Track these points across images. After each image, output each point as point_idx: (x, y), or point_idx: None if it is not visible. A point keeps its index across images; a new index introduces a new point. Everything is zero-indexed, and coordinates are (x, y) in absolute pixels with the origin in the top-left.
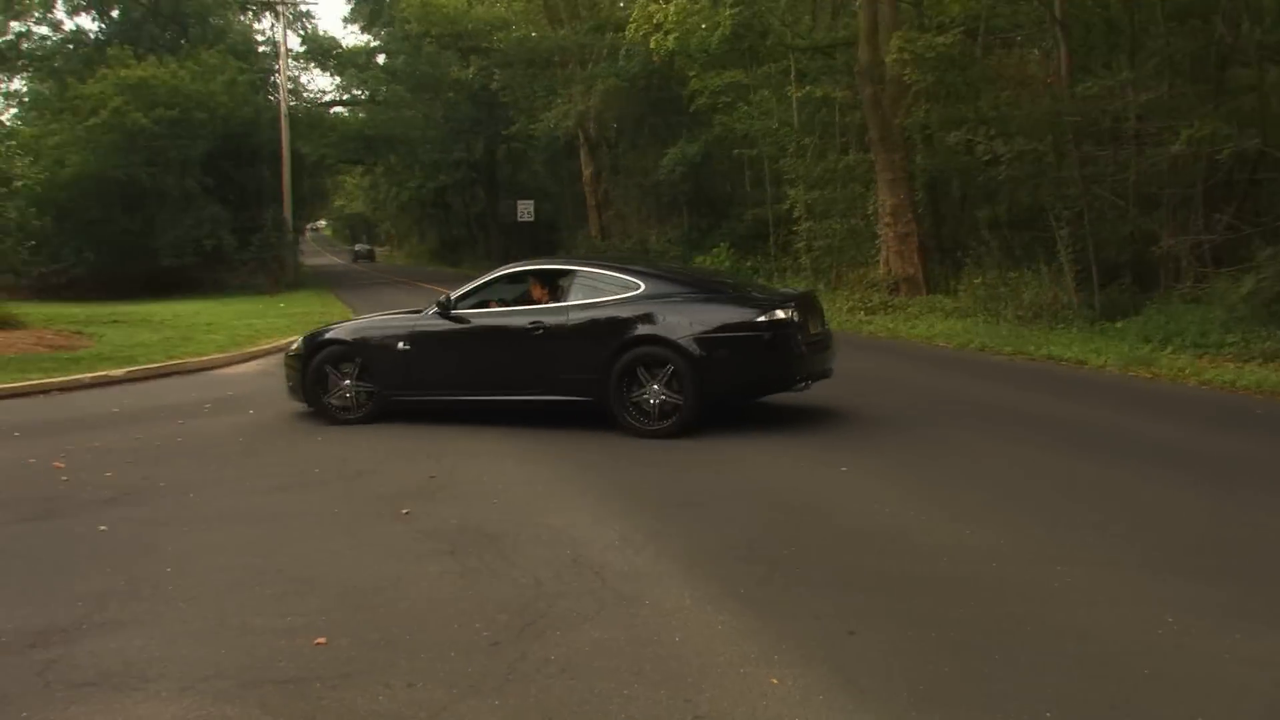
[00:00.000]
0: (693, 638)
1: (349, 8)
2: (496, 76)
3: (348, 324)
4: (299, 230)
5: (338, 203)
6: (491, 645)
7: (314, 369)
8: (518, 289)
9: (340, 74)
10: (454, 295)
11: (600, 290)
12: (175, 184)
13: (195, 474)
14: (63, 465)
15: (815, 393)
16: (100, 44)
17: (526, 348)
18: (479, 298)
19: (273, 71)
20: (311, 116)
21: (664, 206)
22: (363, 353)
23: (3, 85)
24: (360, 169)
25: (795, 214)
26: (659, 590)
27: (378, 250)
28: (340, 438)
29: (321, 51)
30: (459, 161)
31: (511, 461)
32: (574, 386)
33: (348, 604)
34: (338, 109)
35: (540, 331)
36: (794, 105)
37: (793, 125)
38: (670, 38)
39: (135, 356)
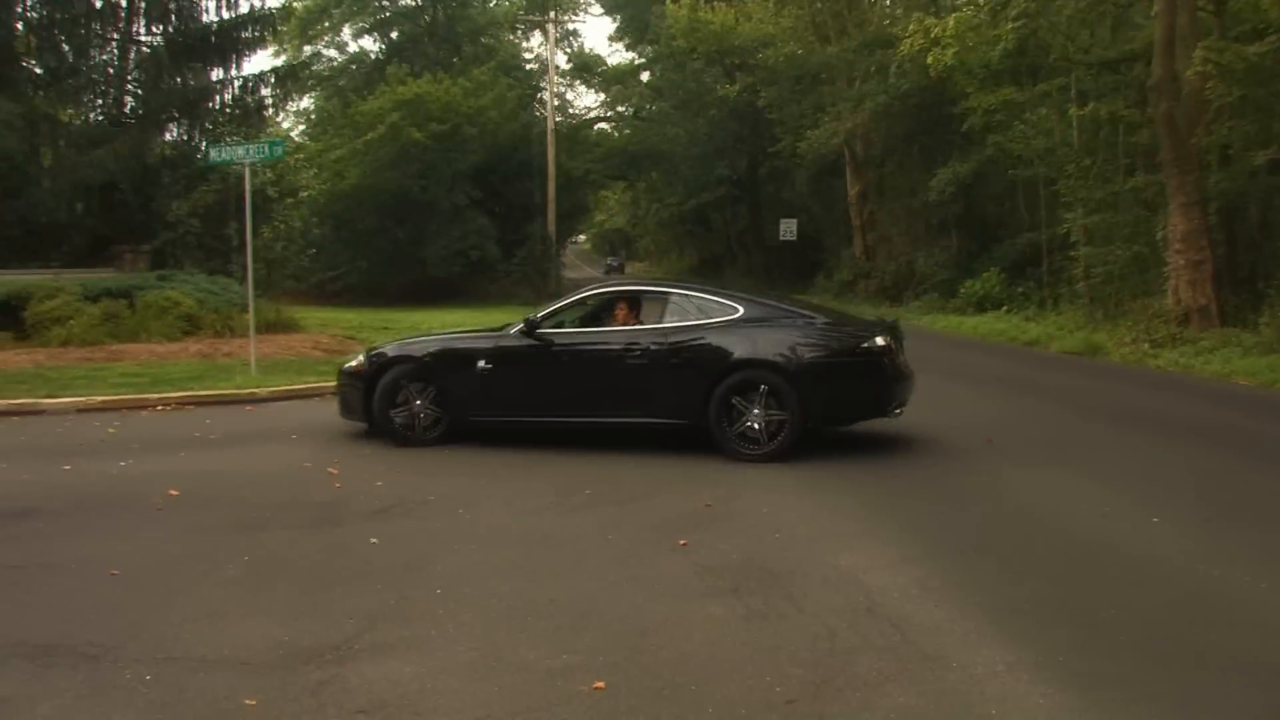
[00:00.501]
0: (1011, 714)
1: (615, 26)
2: (763, 94)
3: (417, 341)
4: (561, 244)
5: (599, 217)
6: (786, 704)
7: (384, 387)
8: (598, 310)
9: (605, 91)
10: (539, 315)
11: (696, 314)
12: (445, 196)
13: (464, 488)
14: (336, 471)
15: (1107, 437)
16: (380, 64)
17: (623, 369)
18: (562, 318)
19: (540, 88)
20: (576, 132)
21: (932, 228)
22: (439, 371)
23: (294, 104)
24: (622, 185)
25: (1072, 239)
26: (966, 651)
27: (636, 265)
28: (608, 459)
29: (586, 68)
30: (721, 179)
31: (790, 493)
32: (672, 409)
33: (626, 644)
34: (601, 125)
35: (639, 353)
36: (1074, 124)
37: (1072, 145)
38: (949, 52)
39: None
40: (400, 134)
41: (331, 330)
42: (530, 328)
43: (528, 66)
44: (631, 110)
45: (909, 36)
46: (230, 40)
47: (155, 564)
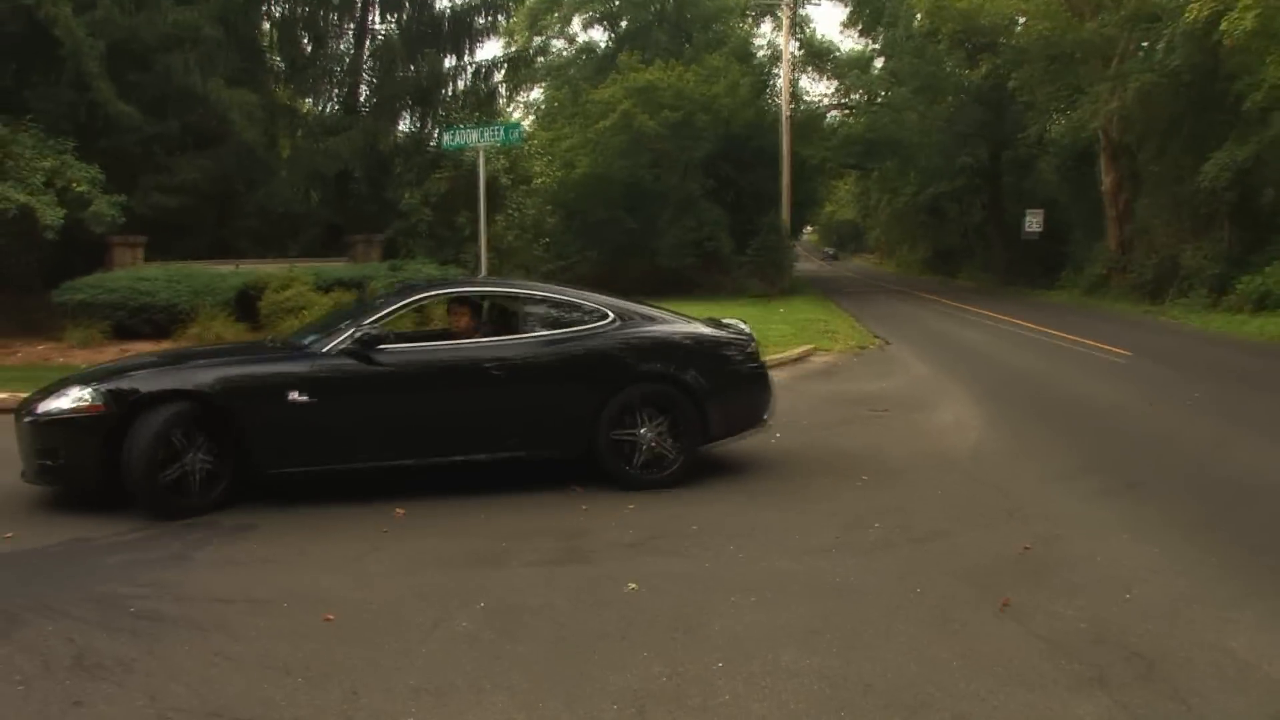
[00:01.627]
0: None
1: (848, 11)
2: (1013, 76)
3: (186, 367)
4: (794, 235)
5: (828, 209)
6: None
7: (146, 438)
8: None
9: (839, 78)
10: (365, 323)
11: (563, 320)
12: (677, 186)
13: (727, 516)
14: (582, 489)
15: None
16: (610, 54)
17: (484, 393)
18: (389, 328)
19: (772, 76)
20: (810, 120)
21: (1199, 220)
22: (230, 409)
23: (524, 94)
24: (854, 175)
25: None
26: None
27: (865, 258)
28: (901, 483)
29: (818, 56)
30: (961, 168)
31: (1120, 532)
32: (553, 438)
33: None
34: (834, 113)
35: (510, 371)
36: None
37: None
38: (1248, 15)
39: None
40: (632, 122)
41: None
42: (362, 343)
43: (759, 55)
44: (865, 98)
45: (1196, 1)
46: (463, 27)
47: (376, 608)
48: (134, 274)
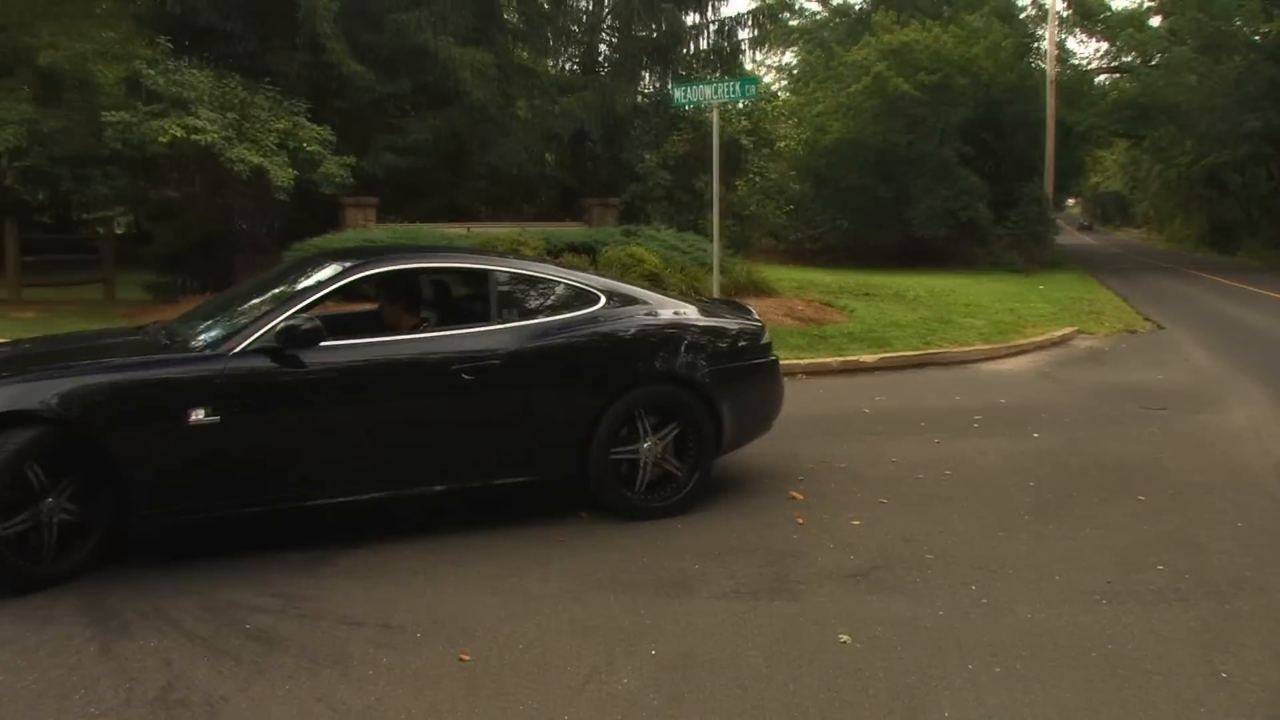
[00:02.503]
0: None
1: None
2: None
3: (43, 374)
4: (1057, 206)
5: (1092, 179)
6: None
7: None
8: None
9: (1111, 38)
10: (288, 314)
11: (545, 304)
12: (932, 152)
13: (970, 540)
14: (801, 496)
15: None
16: (864, 15)
17: (453, 403)
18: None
19: (1036, 37)
20: (1077, 84)
21: None
22: (107, 434)
23: (773, 56)
24: (1123, 144)
25: None
26: None
27: (1131, 232)
28: (1188, 507)
29: (1088, 15)
30: (1248, 134)
31: None
32: (536, 457)
33: None
34: (1103, 76)
35: (474, 375)
36: None
37: None
38: None
39: (889, 339)
40: (886, 85)
41: (808, 294)
42: (290, 339)
43: (1022, 14)
44: (1139, 59)
45: None
46: None
47: (523, 646)
48: (360, 235)
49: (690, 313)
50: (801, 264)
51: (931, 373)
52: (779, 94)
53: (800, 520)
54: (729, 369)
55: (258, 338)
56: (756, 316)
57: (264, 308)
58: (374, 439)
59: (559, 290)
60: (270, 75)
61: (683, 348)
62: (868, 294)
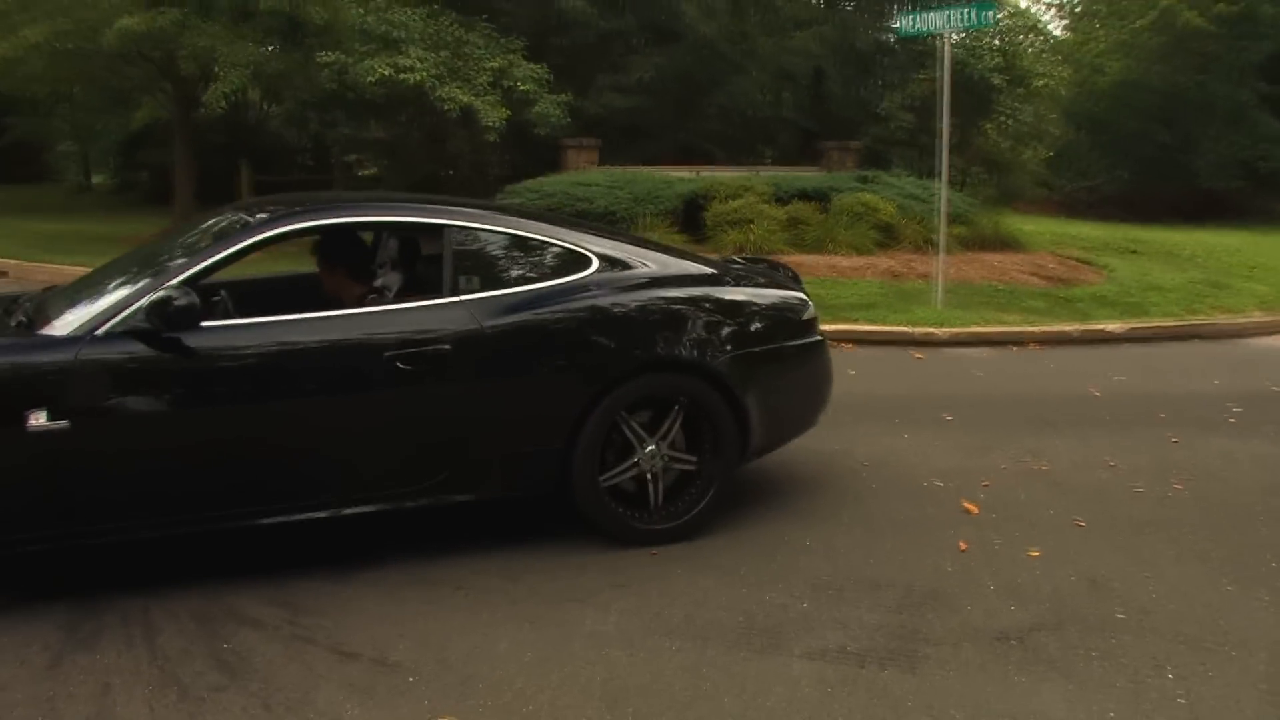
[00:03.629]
0: None
1: None
2: None
3: None
4: None
5: None
6: None
7: None
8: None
9: None
10: (169, 285)
11: (517, 271)
12: (1225, 94)
13: (1183, 594)
14: (975, 509)
15: None
16: None
17: (384, 400)
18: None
19: None
20: None
21: None
22: None
23: None
24: None
25: None
26: None
27: None
28: None
29: None
30: None
31: None
32: (500, 471)
33: None
34: None
35: (413, 365)
36: None
37: None
38: None
39: (1145, 305)
40: (1175, 20)
41: (1065, 250)
42: (164, 318)
43: None
44: None
45: None
46: None
47: (516, 712)
48: (574, 178)
49: (711, 282)
50: (1073, 216)
51: (1192, 347)
52: (1047, 30)
53: (963, 547)
54: (756, 353)
55: (124, 317)
56: (801, 289)
57: (143, 277)
58: (274, 446)
59: (538, 252)
60: (489, 13)
61: (694, 326)
62: (1133, 251)
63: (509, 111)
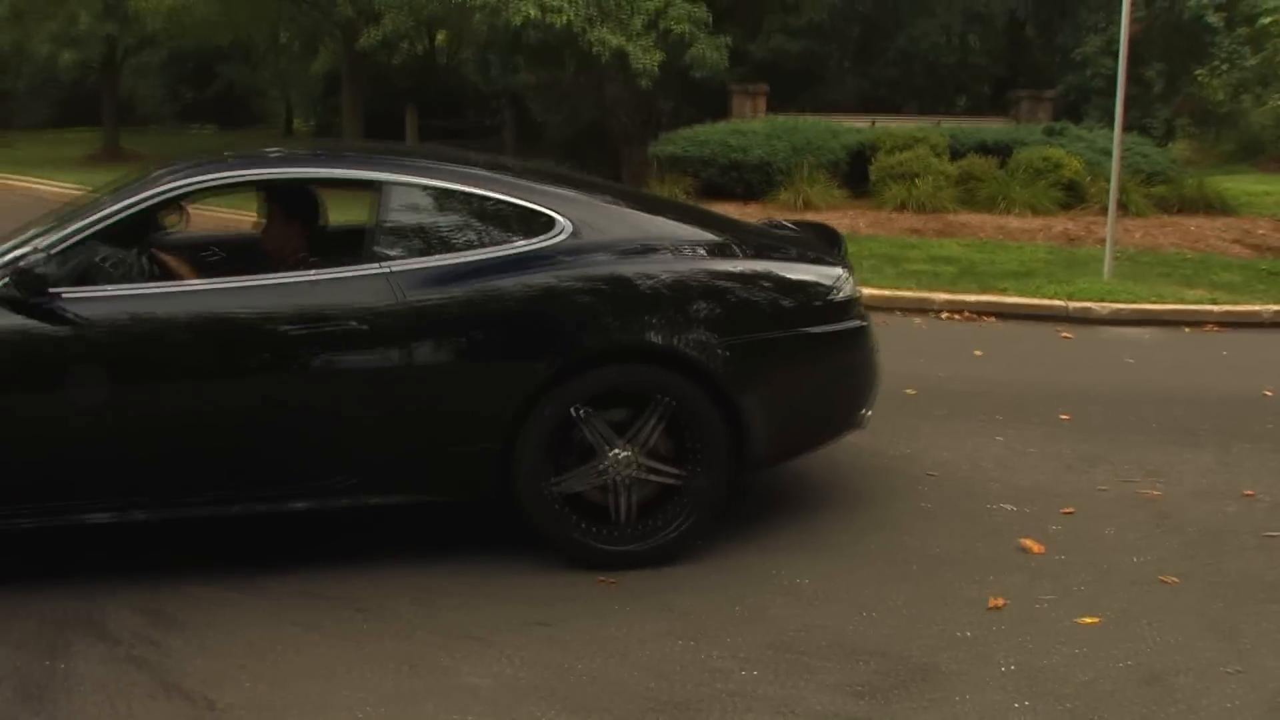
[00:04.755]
0: None
1: None
2: None
3: None
4: None
5: None
6: None
7: None
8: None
9: None
10: (40, 248)
11: (452, 237)
12: None
13: (1261, 701)
14: (1038, 549)
15: None
16: None
17: (283, 384)
18: (105, 255)
19: None
20: None
21: None
22: None
23: None
24: None
25: None
26: None
27: None
28: None
29: None
30: None
31: None
32: (430, 470)
33: None
34: None
35: (318, 345)
36: None
37: None
38: None
39: None
40: None
41: None
42: (24, 284)
43: None
44: None
45: None
46: None
47: None
48: (731, 126)
49: (709, 252)
50: None
51: None
52: None
53: (996, 604)
54: (759, 342)
55: None
56: (837, 260)
57: (21, 237)
58: (161, 431)
59: (493, 213)
60: None
61: (675, 307)
62: None
63: (663, 55)
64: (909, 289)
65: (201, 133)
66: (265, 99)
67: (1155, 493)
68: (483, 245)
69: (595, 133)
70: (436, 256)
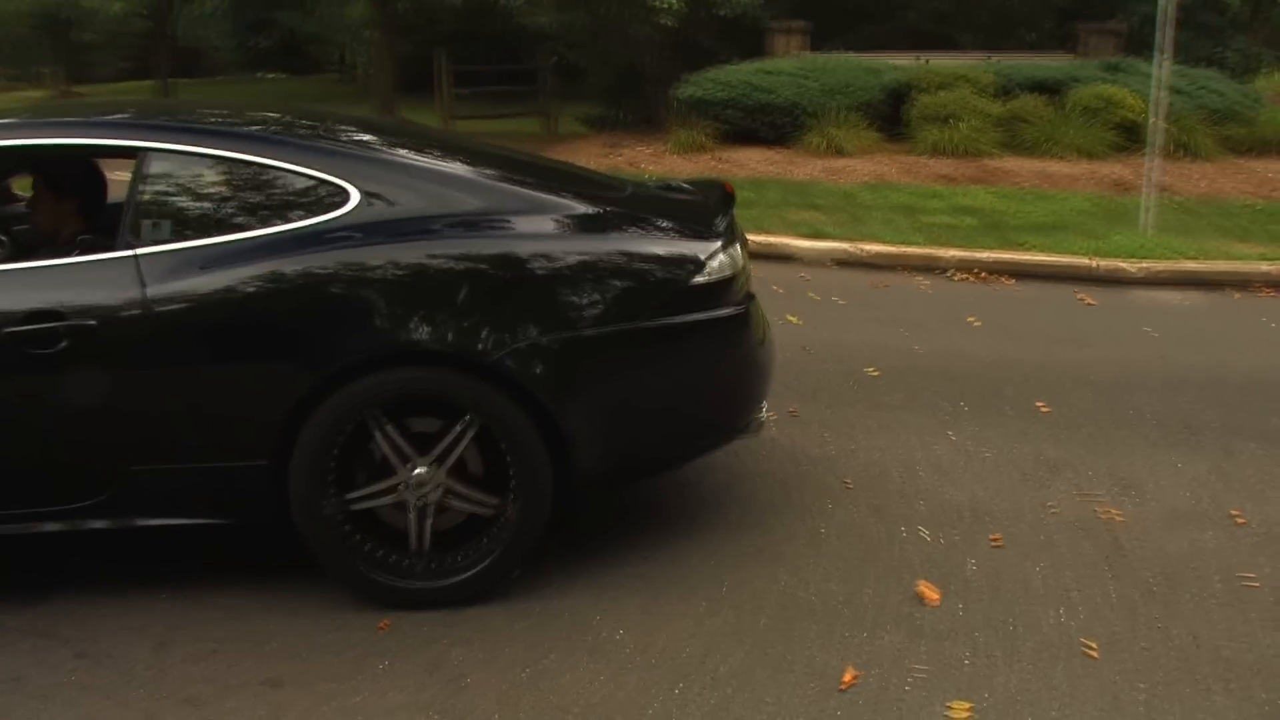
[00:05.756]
0: None
1: None
2: None
3: None
4: None
5: None
6: None
7: None
8: None
9: None
10: None
11: (214, 215)
12: None
13: None
14: (936, 596)
15: None
16: None
17: (30, 387)
18: None
19: None
20: None
21: None
22: None
23: None
24: None
25: None
26: None
27: None
28: None
29: None
30: None
31: None
32: (206, 486)
33: None
34: None
35: (65, 343)
36: None
37: None
38: None
39: None
40: None
41: None
42: None
43: None
44: None
45: None
46: None
47: None
48: (758, 66)
49: (544, 225)
50: None
51: None
52: None
53: (847, 682)
54: (600, 338)
55: None
56: (714, 233)
57: None
58: None
59: (273, 184)
60: None
61: (490, 299)
62: None
63: None
64: (918, 245)
65: (264, 81)
66: (325, 45)
67: (1118, 515)
68: (257, 224)
69: (631, 77)
70: (198, 238)
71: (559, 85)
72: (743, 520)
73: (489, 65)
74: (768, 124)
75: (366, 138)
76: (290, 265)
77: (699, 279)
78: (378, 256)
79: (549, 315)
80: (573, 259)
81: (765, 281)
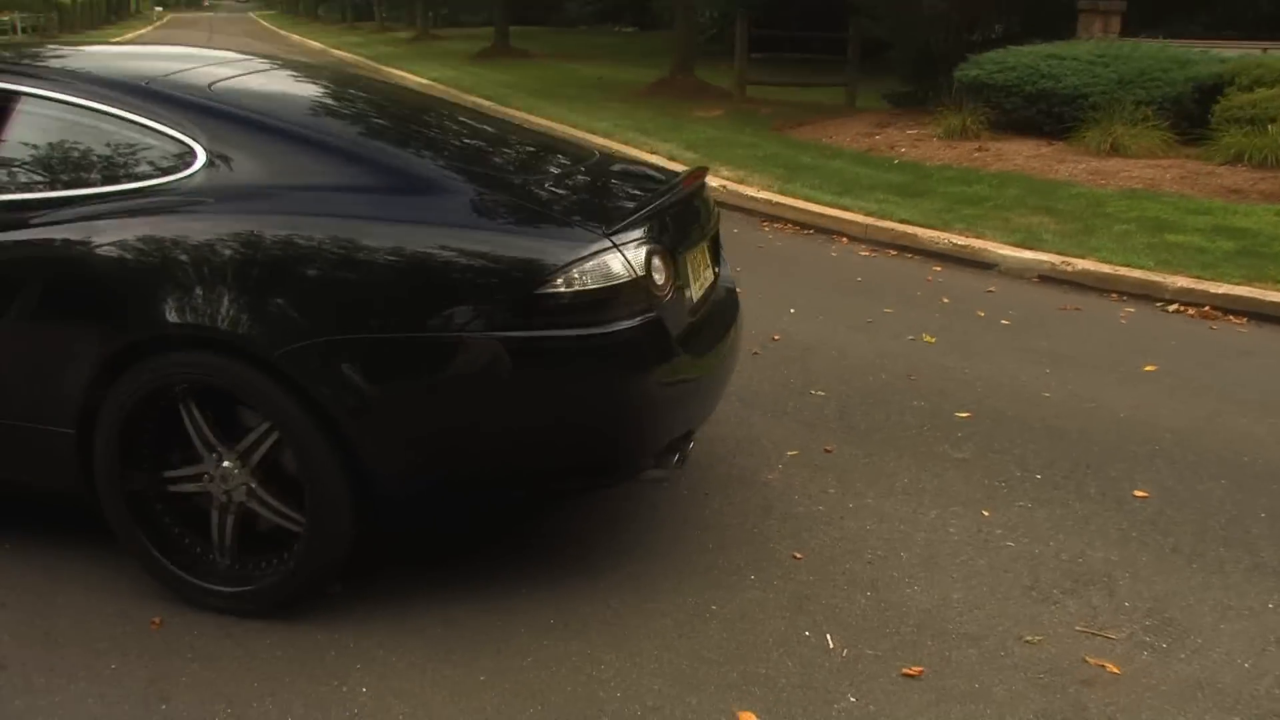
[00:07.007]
0: None
1: None
2: None
3: None
4: None
5: None
6: None
7: None
8: None
9: None
10: None
11: (49, 165)
12: None
13: None
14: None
15: None
16: None
17: None
18: None
19: None
20: None
21: None
22: None
23: None
24: None
25: None
26: None
27: None
28: None
29: None
30: None
31: None
32: (20, 456)
33: None
34: None
35: None
36: None
37: None
38: None
39: None
40: None
41: None
42: None
43: None
44: None
45: None
46: None
47: None
48: (1048, 50)
49: (376, 206)
50: None
51: None
52: None
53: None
54: (395, 342)
55: None
56: (611, 229)
57: None
58: None
59: (115, 138)
60: None
61: (294, 286)
62: None
63: None
64: (1142, 268)
65: (613, 33)
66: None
67: (1113, 669)
68: (87, 181)
69: (928, 55)
70: (18, 194)
71: (863, 60)
72: (639, 580)
73: (800, 32)
74: (1047, 113)
75: (254, 89)
76: (98, 231)
77: (550, 289)
78: (186, 229)
79: (346, 312)
80: (398, 250)
81: (937, 291)
